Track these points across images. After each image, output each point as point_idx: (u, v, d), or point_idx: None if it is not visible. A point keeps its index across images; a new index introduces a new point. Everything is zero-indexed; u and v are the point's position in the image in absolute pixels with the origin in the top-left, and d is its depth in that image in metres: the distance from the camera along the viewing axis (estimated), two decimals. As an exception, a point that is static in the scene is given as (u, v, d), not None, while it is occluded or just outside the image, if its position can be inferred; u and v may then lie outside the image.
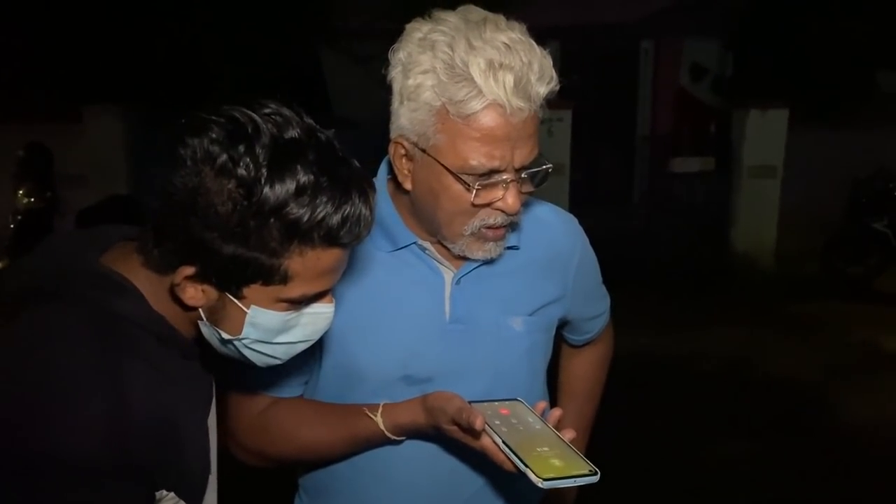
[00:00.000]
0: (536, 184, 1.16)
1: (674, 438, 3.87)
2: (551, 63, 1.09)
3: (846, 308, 6.10)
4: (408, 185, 1.16)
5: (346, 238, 0.89)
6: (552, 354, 1.38)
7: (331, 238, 0.88)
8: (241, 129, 0.84)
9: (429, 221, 1.18)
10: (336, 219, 0.87)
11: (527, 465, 0.96)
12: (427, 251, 1.22)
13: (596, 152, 9.21)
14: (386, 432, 1.15)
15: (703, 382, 4.73)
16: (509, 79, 1.03)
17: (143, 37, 7.12)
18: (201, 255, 0.86)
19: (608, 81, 9.32)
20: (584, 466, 0.97)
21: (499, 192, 1.11)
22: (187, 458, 0.94)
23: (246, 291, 0.90)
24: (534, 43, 1.08)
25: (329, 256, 0.90)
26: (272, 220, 0.84)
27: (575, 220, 1.38)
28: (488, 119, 1.06)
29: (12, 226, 5.88)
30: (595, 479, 0.96)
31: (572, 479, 0.95)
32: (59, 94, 7.15)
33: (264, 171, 0.82)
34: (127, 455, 0.83)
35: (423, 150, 1.11)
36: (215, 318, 0.93)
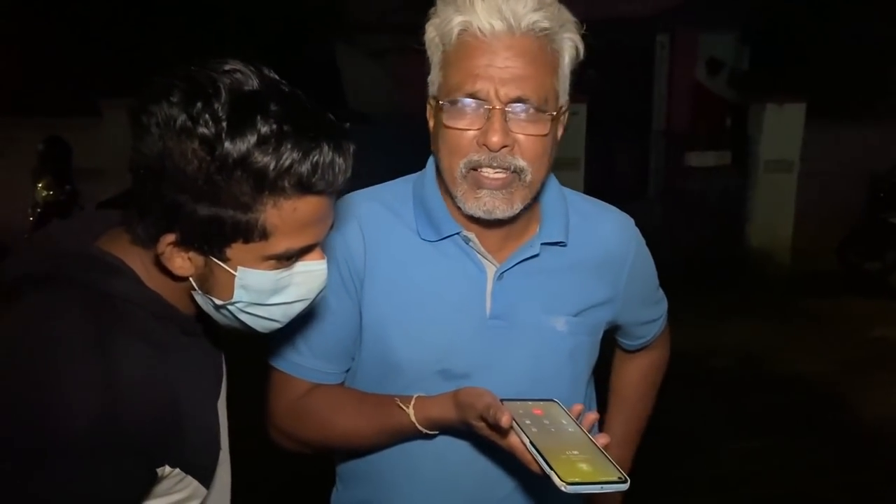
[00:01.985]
0: (541, 129, 1.10)
1: (688, 433, 3.86)
2: None
3: (863, 304, 6.05)
4: (434, 146, 1.17)
5: (321, 185, 0.87)
6: (603, 358, 1.36)
7: (303, 185, 0.86)
8: (199, 88, 0.84)
9: (443, 179, 1.17)
10: (305, 166, 0.85)
11: (552, 468, 0.93)
12: (471, 242, 1.19)
13: (611, 146, 9.15)
14: (417, 425, 1.13)
15: (717, 378, 4.70)
16: None
17: (160, 32, 7.17)
18: (179, 219, 0.86)
19: (623, 75, 9.27)
20: (613, 473, 0.94)
21: (482, 123, 1.08)
22: (190, 435, 0.94)
23: (229, 252, 0.89)
24: None
25: (306, 206, 0.88)
26: (238, 172, 0.83)
27: (631, 222, 1.34)
28: (465, 38, 1.07)
29: (32, 218, 5.95)
30: (624, 486, 0.93)
31: (599, 486, 0.93)
32: (79, 89, 7.20)
33: (224, 125, 0.82)
34: (120, 431, 0.83)
35: (434, 97, 1.13)
36: (206, 285, 0.93)
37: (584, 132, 6.97)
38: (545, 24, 1.06)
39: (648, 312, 1.42)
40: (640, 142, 9.59)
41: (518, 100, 1.07)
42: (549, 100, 1.09)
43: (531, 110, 1.08)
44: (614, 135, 9.13)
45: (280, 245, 0.89)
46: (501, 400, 1.04)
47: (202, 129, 0.82)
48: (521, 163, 1.10)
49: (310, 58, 7.84)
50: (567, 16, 1.12)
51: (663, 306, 1.47)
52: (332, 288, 1.18)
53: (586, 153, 7.01)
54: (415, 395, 1.15)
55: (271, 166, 0.83)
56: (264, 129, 0.83)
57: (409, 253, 1.20)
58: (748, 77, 8.88)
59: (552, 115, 1.10)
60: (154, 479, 0.91)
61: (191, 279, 0.93)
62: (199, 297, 0.95)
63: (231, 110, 0.83)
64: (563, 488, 0.91)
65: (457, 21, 1.07)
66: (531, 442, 0.98)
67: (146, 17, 7.52)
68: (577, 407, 1.09)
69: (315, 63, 8.04)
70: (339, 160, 0.88)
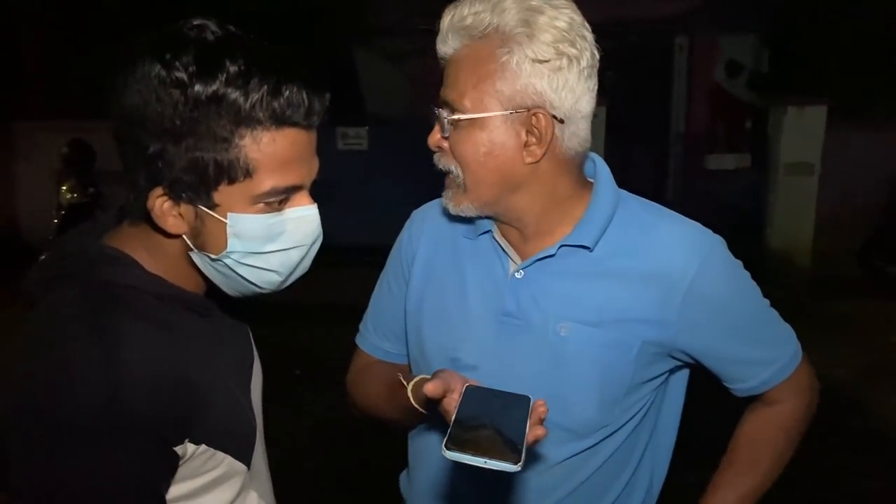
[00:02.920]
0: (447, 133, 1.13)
1: (706, 436, 3.84)
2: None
3: (884, 308, 6.00)
4: None
5: (295, 117, 0.89)
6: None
7: (277, 117, 0.88)
8: (167, 41, 0.88)
9: None
10: (278, 99, 0.87)
11: (448, 433, 0.91)
12: (497, 240, 1.23)
13: (630, 149, 9.12)
14: (412, 401, 1.15)
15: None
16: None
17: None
18: (162, 169, 0.88)
19: (642, 78, 9.24)
20: (508, 456, 0.89)
21: None
22: (214, 410, 0.95)
23: (217, 197, 0.90)
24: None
25: (284, 139, 0.90)
26: (213, 107, 0.86)
27: (703, 241, 1.21)
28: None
29: (56, 221, 6.03)
30: (513, 468, 0.88)
31: (483, 460, 0.88)
32: (102, 93, 7.29)
33: (193, 69, 0.85)
34: (124, 410, 0.85)
35: None
36: (200, 241, 0.94)
37: (602, 135, 6.97)
38: (477, 29, 1.09)
39: (743, 350, 1.24)
40: (659, 145, 9.56)
41: (442, 104, 1.13)
42: (473, 102, 1.10)
43: (447, 115, 1.12)
44: (633, 138, 9.11)
45: (265, 183, 0.90)
46: (468, 386, 1.03)
47: (175, 74, 0.85)
48: (449, 165, 1.15)
49: (330, 61, 7.89)
50: (532, 17, 1.07)
51: (782, 351, 1.27)
52: (392, 272, 1.38)
53: (605, 156, 6.98)
54: (419, 376, 1.17)
55: (243, 99, 0.86)
56: (233, 69, 0.86)
57: (454, 249, 1.28)
58: (768, 79, 8.83)
59: (469, 118, 1.10)
60: (175, 459, 0.92)
61: (185, 238, 0.94)
62: (196, 257, 0.96)
63: (199, 56, 0.86)
64: (443, 452, 0.90)
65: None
66: (456, 412, 0.97)
67: (167, 19, 7.60)
68: (538, 402, 1.01)
69: (334, 66, 8.09)
70: (312, 95, 0.90)
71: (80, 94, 7.48)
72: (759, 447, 1.34)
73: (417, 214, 1.38)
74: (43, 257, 1.02)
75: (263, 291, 1.00)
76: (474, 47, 1.09)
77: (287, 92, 0.88)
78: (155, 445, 0.89)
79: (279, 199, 0.93)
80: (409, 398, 1.15)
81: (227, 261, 0.94)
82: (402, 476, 1.42)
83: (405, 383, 1.16)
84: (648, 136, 9.39)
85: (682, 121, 9.54)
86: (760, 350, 1.26)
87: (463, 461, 0.89)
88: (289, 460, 3.18)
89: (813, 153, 7.14)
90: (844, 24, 7.52)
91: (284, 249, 0.96)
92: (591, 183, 1.24)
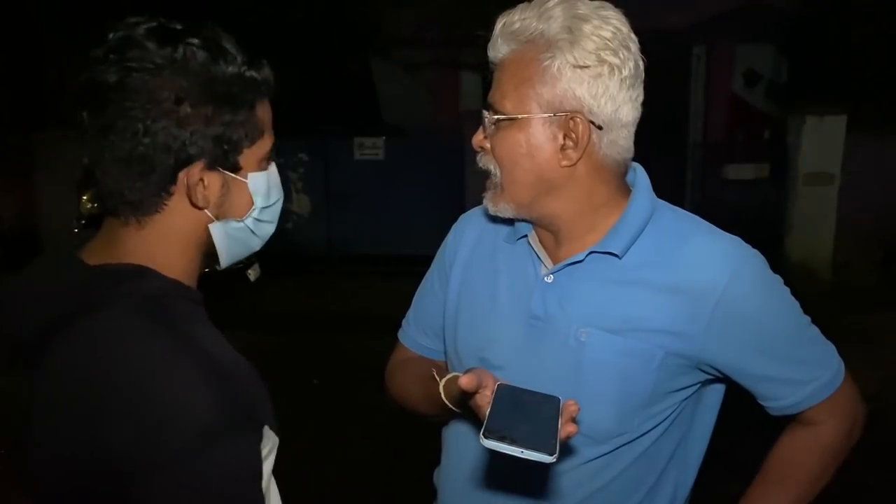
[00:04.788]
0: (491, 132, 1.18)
1: (720, 446, 3.81)
2: (550, 4, 1.12)
3: (906, 320, 5.92)
4: None
5: (270, 92, 1.02)
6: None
7: (269, 88, 1.01)
8: (170, 31, 0.93)
9: None
10: (267, 71, 1.00)
11: (484, 423, 0.95)
12: (532, 244, 1.26)
13: (648, 159, 9.08)
14: (443, 397, 1.18)
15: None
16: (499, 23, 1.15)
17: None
18: (195, 144, 0.93)
19: (660, 88, 9.20)
20: (543, 447, 0.92)
21: None
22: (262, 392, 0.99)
23: (241, 160, 0.99)
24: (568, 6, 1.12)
25: (268, 108, 1.02)
26: (241, 82, 0.96)
27: (739, 255, 1.19)
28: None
29: (76, 230, 6.09)
30: (549, 459, 0.91)
31: (520, 450, 0.92)
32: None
33: (213, 51, 0.94)
34: (234, 406, 0.88)
35: None
36: (223, 209, 1.00)
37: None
38: (525, 34, 1.13)
39: (775, 368, 1.21)
40: (677, 154, 9.52)
41: (488, 105, 1.18)
42: (515, 104, 1.14)
43: (491, 116, 1.17)
44: (651, 147, 9.08)
45: (267, 142, 1.02)
46: (499, 384, 1.05)
47: (192, 65, 0.92)
48: (489, 165, 1.20)
49: (347, 73, 7.94)
50: (575, 24, 1.11)
51: (820, 371, 1.24)
52: (437, 271, 1.43)
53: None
54: (452, 373, 1.20)
55: (256, 75, 0.98)
56: (240, 58, 0.97)
57: (492, 252, 1.32)
58: (786, 89, 8.78)
59: (510, 119, 1.15)
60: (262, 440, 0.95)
61: (208, 212, 0.98)
62: (218, 228, 1.01)
63: (208, 46, 0.94)
64: (480, 440, 0.94)
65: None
66: (491, 406, 1.00)
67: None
68: (570, 401, 1.02)
69: (352, 78, 8.14)
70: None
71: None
72: (792, 468, 1.31)
73: (464, 217, 1.43)
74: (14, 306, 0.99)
75: (255, 250, 1.09)
76: (520, 51, 1.14)
77: (267, 69, 1.01)
78: (257, 432, 0.92)
79: (269, 158, 1.04)
80: (440, 394, 1.19)
81: (248, 221, 1.03)
82: (436, 472, 1.45)
83: (438, 379, 1.20)
84: (666, 146, 9.35)
85: (701, 131, 9.50)
86: (795, 369, 1.23)
87: (500, 450, 0.93)
88: (307, 473, 3.18)
89: (832, 163, 7.09)
90: (862, 32, 7.47)
91: (276, 201, 1.07)
92: (631, 192, 1.25)
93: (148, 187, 0.94)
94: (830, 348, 1.28)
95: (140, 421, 0.85)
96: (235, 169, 0.99)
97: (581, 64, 1.10)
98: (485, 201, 1.23)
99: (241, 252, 1.07)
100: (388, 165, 7.81)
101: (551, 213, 1.20)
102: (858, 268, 6.89)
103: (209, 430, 0.85)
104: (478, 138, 1.20)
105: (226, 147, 0.96)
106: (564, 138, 1.14)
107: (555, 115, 1.12)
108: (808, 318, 1.25)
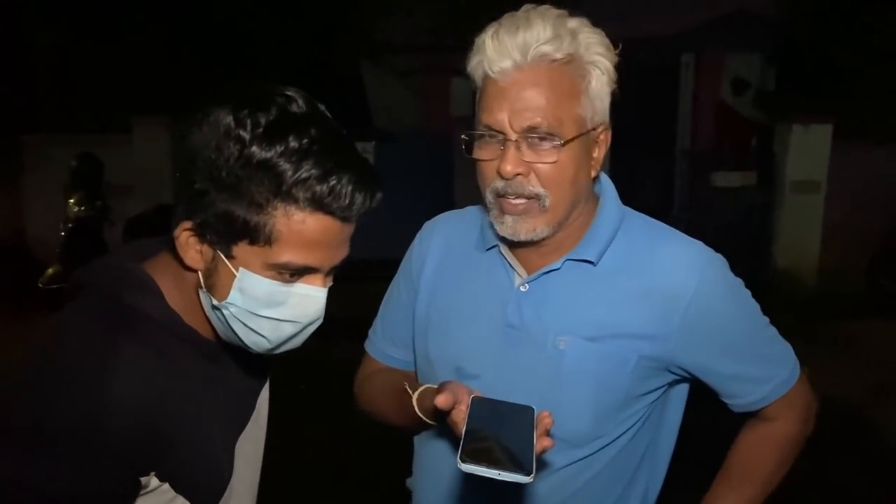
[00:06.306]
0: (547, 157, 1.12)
1: (713, 455, 3.82)
2: (561, 21, 1.12)
3: (891, 326, 5.95)
4: None
5: (333, 206, 0.91)
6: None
7: (315, 201, 0.90)
8: (252, 99, 0.91)
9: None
10: (323, 184, 0.90)
11: (461, 447, 0.94)
12: (504, 255, 1.25)
13: (635, 166, 9.14)
14: (416, 409, 1.17)
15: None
16: (494, 38, 1.10)
17: (190, 52, 7.31)
18: (199, 207, 0.92)
19: (648, 95, 9.26)
20: (520, 467, 0.92)
21: (499, 153, 1.13)
22: (186, 454, 0.97)
23: (236, 251, 0.93)
24: (557, 11, 1.12)
25: (315, 223, 0.91)
26: (260, 173, 0.89)
27: (704, 259, 1.24)
28: (486, 77, 1.13)
29: (63, 234, 6.06)
30: (526, 479, 0.91)
31: (497, 472, 0.91)
32: (110, 107, 7.36)
33: (260, 131, 0.89)
34: (103, 434, 0.88)
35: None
36: (210, 282, 0.97)
37: (608, 151, 6.96)
38: (557, 55, 1.10)
39: (740, 367, 1.25)
40: (664, 162, 9.56)
41: (531, 129, 1.11)
42: (567, 125, 1.12)
43: (544, 138, 1.12)
44: (639, 154, 9.13)
45: (282, 255, 0.93)
46: (474, 397, 1.05)
47: (240, 131, 0.89)
48: (538, 189, 1.14)
49: (338, 78, 7.94)
50: (592, 38, 1.14)
51: (779, 368, 1.29)
52: (403, 281, 1.39)
53: (611, 173, 6.98)
54: (424, 385, 1.19)
55: (289, 174, 0.89)
56: (293, 144, 0.89)
57: (462, 262, 1.30)
58: (774, 97, 8.84)
59: (572, 139, 1.13)
60: (137, 487, 0.94)
61: (199, 274, 0.97)
62: (203, 296, 0.99)
63: (271, 122, 0.90)
64: (458, 465, 0.92)
65: (476, 62, 1.14)
66: (466, 424, 0.99)
67: (177, 37, 7.67)
68: (544, 413, 1.03)
69: (342, 83, 8.14)
70: (359, 194, 0.92)
71: (89, 108, 7.56)
72: (754, 463, 1.36)
73: (428, 225, 1.40)
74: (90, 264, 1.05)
75: (251, 351, 1.02)
76: (558, 71, 1.11)
77: (334, 181, 0.90)
78: (124, 471, 0.91)
79: (291, 272, 0.95)
80: (414, 407, 1.17)
81: (224, 311, 0.97)
82: (408, 481, 1.43)
83: (410, 392, 1.19)
84: (654, 153, 9.40)
85: (688, 138, 9.55)
86: (757, 367, 1.27)
87: (478, 473, 0.92)
88: (295, 475, 3.17)
89: (819, 171, 7.15)
90: (850, 42, 7.54)
91: (278, 320, 0.97)
92: (598, 198, 1.26)
93: (176, 216, 0.96)
94: (787, 346, 1.32)
95: (13, 394, 0.90)
96: (228, 254, 0.94)
97: (609, 77, 1.15)
98: (516, 227, 1.16)
99: (231, 340, 1.01)
100: (378, 170, 7.79)
101: (566, 226, 1.19)
102: (844, 275, 6.93)
103: (62, 438, 0.86)
104: (514, 164, 1.11)
105: (220, 226, 0.92)
106: (596, 149, 1.18)
107: (594, 130, 1.16)
108: (767, 319, 1.30)
